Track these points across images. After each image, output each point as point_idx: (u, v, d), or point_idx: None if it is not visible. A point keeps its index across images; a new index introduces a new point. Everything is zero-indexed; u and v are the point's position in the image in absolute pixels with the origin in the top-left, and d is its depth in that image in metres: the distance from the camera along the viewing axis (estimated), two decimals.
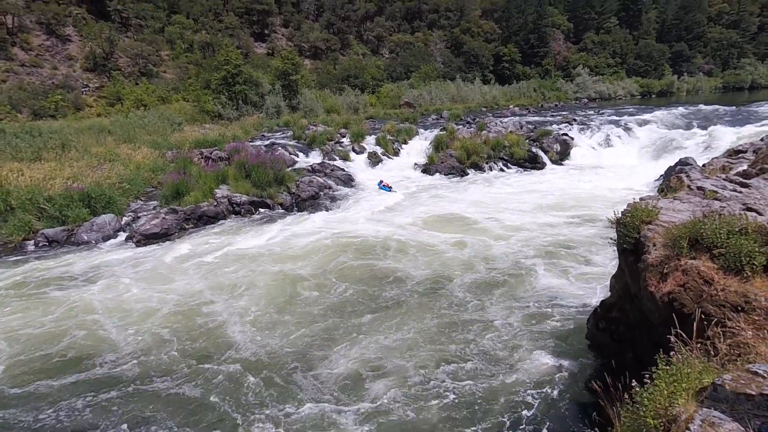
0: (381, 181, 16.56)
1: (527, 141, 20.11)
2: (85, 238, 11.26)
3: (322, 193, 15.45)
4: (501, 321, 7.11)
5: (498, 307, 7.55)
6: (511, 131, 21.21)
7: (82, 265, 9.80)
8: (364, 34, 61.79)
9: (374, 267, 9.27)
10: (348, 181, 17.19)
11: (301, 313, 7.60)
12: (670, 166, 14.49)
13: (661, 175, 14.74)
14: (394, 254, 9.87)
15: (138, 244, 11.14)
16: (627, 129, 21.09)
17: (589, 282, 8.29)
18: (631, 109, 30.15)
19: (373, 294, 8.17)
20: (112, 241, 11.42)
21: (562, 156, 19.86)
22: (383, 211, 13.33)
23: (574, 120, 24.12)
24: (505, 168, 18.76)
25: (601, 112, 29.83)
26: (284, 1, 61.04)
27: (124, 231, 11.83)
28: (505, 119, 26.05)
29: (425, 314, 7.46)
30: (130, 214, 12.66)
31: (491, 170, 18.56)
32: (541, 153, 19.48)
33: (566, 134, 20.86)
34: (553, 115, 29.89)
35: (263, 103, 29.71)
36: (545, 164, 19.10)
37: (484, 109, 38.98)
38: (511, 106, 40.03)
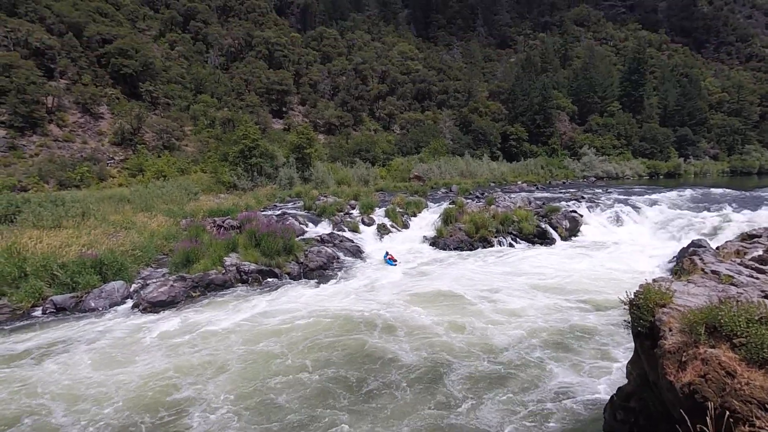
0: (387, 254, 16.55)
1: (536, 217, 20.30)
2: (93, 305, 11.23)
3: (330, 263, 15.46)
4: (504, 410, 6.66)
5: (499, 395, 7.11)
6: (519, 206, 21.51)
7: (67, 334, 9.62)
8: (376, 112, 65.80)
9: (371, 346, 8.91)
10: (356, 252, 17.25)
11: (275, 401, 7.02)
12: (683, 248, 14.34)
13: (674, 257, 14.55)
14: (387, 335, 9.49)
15: (144, 311, 11.04)
16: (636, 208, 21.28)
17: (603, 369, 7.85)
18: (639, 189, 30.67)
19: (363, 378, 7.74)
20: (118, 308, 11.35)
21: (571, 232, 19.88)
22: (385, 286, 13.10)
23: (583, 197, 24.50)
24: (514, 243, 18.74)
25: (609, 190, 30.37)
26: (302, 82, 66.25)
27: (132, 298, 11.80)
28: (514, 194, 26.59)
29: (419, 407, 6.99)
30: (139, 280, 12.71)
31: (500, 245, 18.53)
32: (550, 229, 19.54)
33: (575, 211, 21.07)
34: (561, 192, 30.48)
35: (277, 175, 30.96)
36: (555, 240, 19.07)
37: (492, 184, 40.04)
38: (519, 182, 41.09)
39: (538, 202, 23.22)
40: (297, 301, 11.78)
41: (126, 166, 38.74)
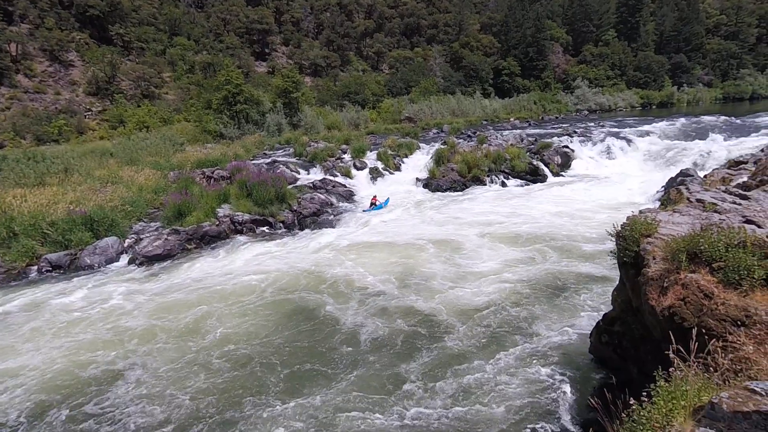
0: (372, 203, 15.89)
1: (528, 153, 20.20)
2: (88, 261, 11.32)
3: (323, 209, 15.51)
4: (495, 323, 7.05)
5: (493, 311, 7.49)
6: (511, 144, 21.32)
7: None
8: (363, 51, 62.77)
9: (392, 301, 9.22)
10: (349, 197, 17.26)
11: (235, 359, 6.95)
12: (671, 178, 14.48)
13: (663, 187, 14.73)
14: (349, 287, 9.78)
15: (141, 266, 11.18)
16: (628, 141, 21.16)
17: (588, 298, 8.21)
18: (631, 121, 30.28)
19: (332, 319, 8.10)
20: (116, 263, 11.48)
21: (563, 168, 19.91)
22: (380, 231, 13.21)
23: (575, 132, 24.23)
24: (506, 181, 18.80)
25: (601, 123, 29.99)
26: (284, 21, 62.33)
27: (127, 253, 11.89)
28: (506, 132, 26.22)
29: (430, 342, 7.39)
30: (132, 236, 12.72)
31: (493, 183, 18.60)
32: (542, 165, 19.54)
33: (567, 146, 20.94)
34: (553, 128, 30.06)
35: (264, 122, 30.04)
36: (546, 176, 19.14)
37: (484, 122, 39.30)
38: (511, 119, 40.35)
39: (530, 138, 22.99)
40: (300, 251, 11.93)
41: (105, 117, 37.28)
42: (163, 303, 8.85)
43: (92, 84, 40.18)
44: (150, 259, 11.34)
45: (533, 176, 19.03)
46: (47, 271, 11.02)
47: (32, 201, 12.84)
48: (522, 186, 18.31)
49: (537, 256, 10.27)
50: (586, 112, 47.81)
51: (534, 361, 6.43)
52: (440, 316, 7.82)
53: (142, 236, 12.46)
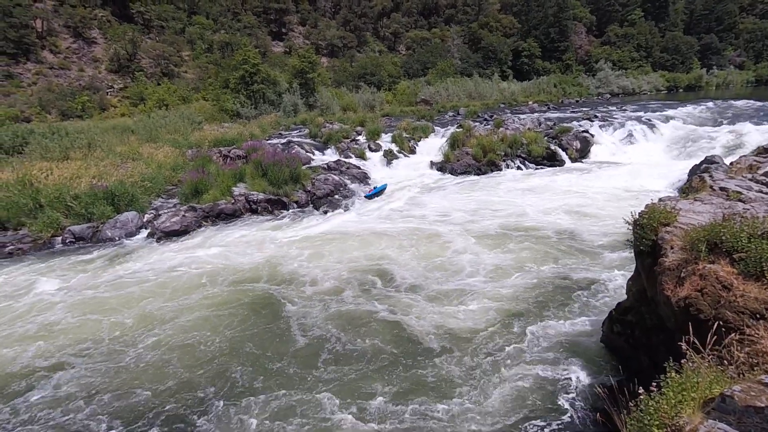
0: (371, 191, 15.34)
1: (546, 138, 19.77)
2: (109, 234, 11.65)
3: (337, 190, 15.54)
4: (508, 309, 7.06)
5: (505, 303, 7.49)
6: (529, 128, 20.88)
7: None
8: (380, 31, 61.65)
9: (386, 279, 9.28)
10: (363, 179, 17.23)
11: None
12: (695, 165, 14.02)
13: (686, 174, 14.29)
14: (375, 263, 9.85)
15: (159, 240, 11.45)
16: (651, 126, 20.48)
17: (602, 287, 8.12)
18: (655, 105, 29.28)
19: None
20: (135, 237, 11.78)
21: (582, 153, 19.46)
22: (386, 216, 13.20)
23: (595, 116, 23.57)
24: (522, 166, 18.50)
25: (623, 107, 29.08)
26: (301, 0, 61.44)
27: (146, 228, 12.18)
28: (524, 116, 25.66)
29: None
30: (151, 211, 13.00)
31: (508, 168, 18.33)
32: (560, 151, 19.12)
33: (587, 131, 20.41)
34: (573, 112, 29.30)
35: (281, 102, 30.02)
36: (564, 162, 18.76)
37: (502, 105, 38.48)
38: (530, 103, 39.40)
39: (548, 123, 22.46)
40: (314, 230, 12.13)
41: (126, 94, 37.76)
42: (166, 278, 9.08)
43: (114, 61, 40.59)
44: (167, 234, 11.60)
45: (550, 162, 18.66)
46: (70, 242, 11.38)
47: (57, 174, 13.20)
48: (538, 171, 17.98)
49: (551, 244, 10.16)
50: (608, 96, 46.32)
51: (544, 347, 6.44)
52: (453, 300, 7.85)
53: (160, 212, 12.72)
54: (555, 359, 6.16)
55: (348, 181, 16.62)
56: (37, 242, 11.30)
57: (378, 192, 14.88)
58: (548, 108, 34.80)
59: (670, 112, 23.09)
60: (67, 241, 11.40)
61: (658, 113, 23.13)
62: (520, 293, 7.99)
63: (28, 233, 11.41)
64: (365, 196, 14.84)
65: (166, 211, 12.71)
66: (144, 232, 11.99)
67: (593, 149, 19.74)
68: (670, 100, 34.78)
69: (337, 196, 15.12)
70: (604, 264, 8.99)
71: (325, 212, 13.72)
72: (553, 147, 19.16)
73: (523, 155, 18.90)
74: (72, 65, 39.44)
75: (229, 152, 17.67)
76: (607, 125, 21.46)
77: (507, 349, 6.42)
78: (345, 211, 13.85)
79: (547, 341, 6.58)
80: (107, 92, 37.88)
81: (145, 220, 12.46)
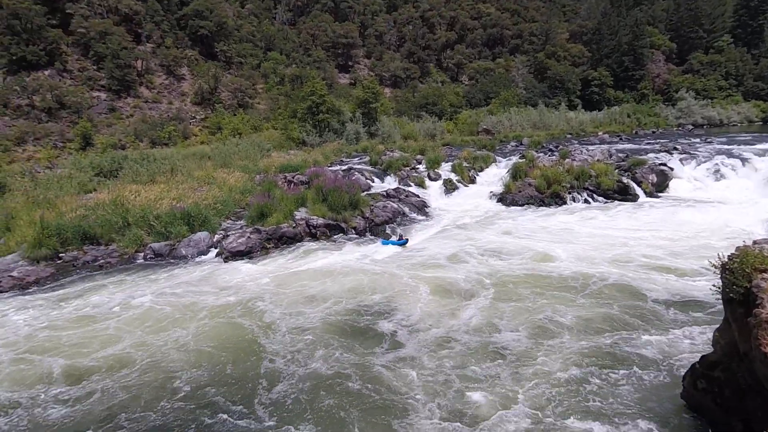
0: (389, 239, 13.61)
1: (617, 171, 18.61)
2: (183, 252, 12.58)
3: (395, 218, 15.64)
4: (574, 353, 6.48)
5: (573, 339, 6.91)
6: (598, 160, 19.82)
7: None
8: (444, 62, 62.84)
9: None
10: (422, 207, 17.23)
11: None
12: None
13: None
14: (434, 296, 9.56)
15: (225, 260, 12.15)
16: (743, 159, 18.49)
17: (683, 337, 7.27)
18: (747, 137, 26.62)
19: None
20: (205, 256, 12.60)
21: (658, 188, 18.02)
22: (437, 252, 12.95)
23: (675, 148, 21.86)
24: (590, 199, 17.48)
25: (708, 140, 26.74)
26: (368, 34, 64.69)
27: (215, 247, 12.99)
28: (593, 147, 24.46)
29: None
30: (221, 232, 13.88)
31: (574, 201, 17.40)
32: (633, 184, 17.85)
33: (664, 164, 18.94)
34: (649, 143, 27.48)
35: (344, 130, 31.28)
36: (637, 196, 17.45)
37: (569, 136, 37.06)
38: (600, 133, 37.58)
39: (620, 154, 21.18)
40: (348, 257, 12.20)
41: (206, 124, 41.55)
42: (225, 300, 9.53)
43: (198, 95, 45.10)
44: (234, 255, 12.28)
45: (622, 195, 17.44)
46: (150, 257, 12.44)
47: (144, 196, 14.66)
48: (608, 206, 16.85)
49: (624, 283, 9.35)
50: (691, 127, 42.85)
51: (616, 399, 5.82)
52: (515, 344, 7.43)
53: (228, 233, 13.53)
54: (626, 414, 5.53)
55: (407, 209, 16.68)
56: (122, 256, 12.48)
57: (399, 244, 13.05)
58: (620, 139, 32.91)
59: (766, 146, 20.80)
60: (147, 257, 12.47)
61: (750, 146, 20.93)
62: (587, 334, 7.37)
63: (116, 248, 12.66)
64: (381, 242, 13.31)
65: (233, 232, 13.52)
66: (213, 252, 12.80)
67: (672, 184, 18.21)
68: (765, 132, 31.42)
69: (395, 224, 15.20)
70: (684, 309, 8.08)
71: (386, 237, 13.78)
72: (625, 180, 17.95)
73: (591, 188, 17.88)
74: (163, 99, 44.35)
75: (293, 177, 18.58)
76: (689, 158, 19.77)
77: (568, 402, 5.88)
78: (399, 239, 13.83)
79: (618, 389, 5.95)
80: (190, 122, 41.92)
81: (215, 240, 13.32)
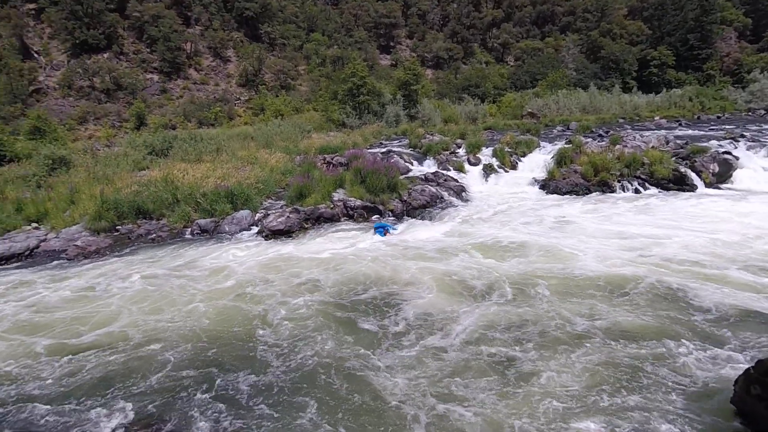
0: (383, 227, 12.69)
1: (674, 159, 17.39)
2: (227, 229, 13.12)
3: (433, 202, 15.50)
4: (622, 355, 6.22)
5: (622, 344, 6.63)
6: (653, 146, 18.59)
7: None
8: (489, 42, 60.64)
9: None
10: (460, 192, 16.95)
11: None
12: None
13: None
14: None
15: (266, 238, 12.56)
16: None
17: (741, 335, 6.79)
18: None
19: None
20: (246, 233, 13.10)
21: (720, 178, 16.69)
22: (481, 233, 12.61)
23: (743, 135, 20.07)
24: (641, 188, 16.49)
25: None
26: (411, 14, 63.30)
27: (256, 226, 13.46)
28: (647, 132, 22.96)
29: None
30: (262, 210, 14.34)
31: (623, 190, 16.48)
32: (691, 173, 16.63)
33: (728, 153, 17.49)
34: (713, 129, 25.40)
35: (384, 112, 31.12)
36: (695, 187, 16.26)
37: (621, 120, 34.93)
38: (656, 118, 35.12)
39: (678, 141, 19.76)
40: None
41: (250, 105, 42.68)
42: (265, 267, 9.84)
43: (243, 76, 46.24)
44: (273, 233, 12.66)
45: (678, 185, 16.32)
46: (197, 233, 13.08)
47: (191, 174, 15.36)
48: (661, 196, 15.83)
49: (679, 278, 8.78)
50: (762, 112, 39.11)
51: (659, 401, 5.56)
52: (550, 342, 7.24)
53: (269, 212, 13.95)
54: (668, 416, 5.28)
55: (445, 194, 16.47)
56: (172, 231, 13.22)
57: (391, 230, 12.60)
58: (680, 124, 30.65)
59: None
60: (194, 232, 13.12)
61: None
62: (635, 335, 7.05)
63: (166, 223, 13.42)
64: (375, 227, 12.69)
65: (273, 211, 13.91)
66: (254, 230, 13.26)
67: (736, 174, 16.80)
68: None
69: (432, 208, 15.08)
70: (742, 310, 7.51)
71: (414, 223, 13.73)
72: (682, 169, 16.75)
73: (642, 176, 16.85)
74: (210, 80, 45.82)
75: (332, 159, 18.78)
76: (758, 147, 18.12)
77: (613, 399, 5.68)
78: (442, 222, 13.72)
79: (660, 391, 5.68)
80: (235, 103, 43.12)
81: (256, 218, 13.78)
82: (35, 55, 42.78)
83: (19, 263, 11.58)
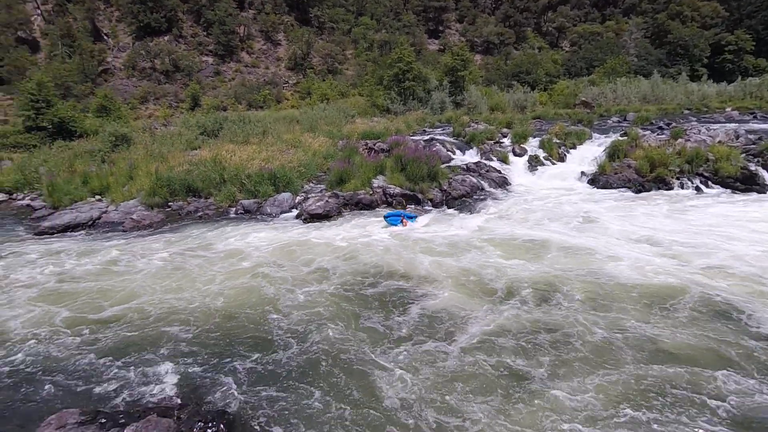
0: (400, 216, 12.04)
1: (743, 156, 15.92)
2: (269, 210, 13.57)
3: (473, 193, 15.19)
4: (676, 381, 5.87)
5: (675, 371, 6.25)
6: (720, 141, 17.10)
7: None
8: (543, 26, 57.78)
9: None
10: (502, 184, 16.49)
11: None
12: None
13: None
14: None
15: (304, 221, 12.88)
16: None
17: None
18: None
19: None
20: (286, 215, 13.48)
21: None
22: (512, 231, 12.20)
23: None
24: (702, 187, 15.26)
25: None
26: None
27: (296, 208, 13.81)
28: (715, 126, 21.11)
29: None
30: (302, 194, 14.69)
31: (682, 188, 15.33)
32: (762, 172, 15.17)
33: None
34: None
35: (429, 99, 30.65)
36: (766, 187, 14.84)
37: (686, 111, 32.28)
38: (727, 109, 32.15)
39: (751, 136, 18.01)
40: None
41: (297, 89, 43.43)
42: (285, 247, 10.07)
43: (291, 60, 47.04)
44: (312, 216, 12.95)
45: (745, 185, 14.94)
46: (240, 213, 13.64)
47: (238, 156, 15.94)
48: (725, 196, 14.57)
49: (734, 295, 7.94)
50: None
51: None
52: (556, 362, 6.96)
53: (309, 195, 14.26)
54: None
55: (486, 185, 16.10)
56: (218, 210, 13.86)
57: (409, 218, 11.95)
58: (754, 117, 27.87)
59: None
60: (238, 212, 13.70)
61: None
62: (693, 358, 6.63)
63: (214, 202, 14.08)
64: (386, 216, 12.06)
65: (313, 195, 14.20)
66: (294, 212, 13.62)
67: None
68: None
69: (472, 199, 14.79)
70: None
71: (452, 214, 13.52)
72: (753, 167, 15.31)
73: (705, 174, 15.58)
74: (260, 64, 47.00)
75: (374, 145, 18.81)
76: None
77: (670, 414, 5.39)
78: (477, 214, 13.44)
79: (690, 427, 5.31)
80: (283, 87, 44.02)
81: (296, 201, 14.14)
82: (104, 37, 45.71)
83: (82, 231, 12.64)
